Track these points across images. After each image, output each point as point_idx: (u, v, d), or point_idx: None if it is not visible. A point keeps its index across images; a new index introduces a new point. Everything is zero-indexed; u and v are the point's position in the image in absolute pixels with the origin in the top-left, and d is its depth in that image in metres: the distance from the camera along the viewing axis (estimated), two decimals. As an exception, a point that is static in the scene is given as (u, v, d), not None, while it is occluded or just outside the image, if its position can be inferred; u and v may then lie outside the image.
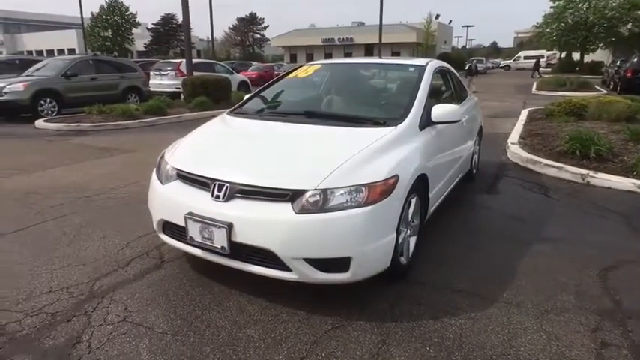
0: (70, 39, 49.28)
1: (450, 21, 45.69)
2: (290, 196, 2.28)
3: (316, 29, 49.97)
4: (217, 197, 2.40)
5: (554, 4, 31.54)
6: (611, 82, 20.19)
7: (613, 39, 31.11)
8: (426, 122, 3.04)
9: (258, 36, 62.41)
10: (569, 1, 30.69)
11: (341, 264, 2.28)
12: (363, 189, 2.27)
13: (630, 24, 30.48)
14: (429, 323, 2.31)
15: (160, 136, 8.38)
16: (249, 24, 61.32)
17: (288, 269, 2.29)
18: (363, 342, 2.15)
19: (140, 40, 49.24)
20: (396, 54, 39.55)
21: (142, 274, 2.81)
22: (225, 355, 2.05)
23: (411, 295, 2.59)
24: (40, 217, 3.83)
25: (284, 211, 2.26)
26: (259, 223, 2.28)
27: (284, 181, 2.33)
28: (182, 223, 2.48)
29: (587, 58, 32.71)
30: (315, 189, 2.25)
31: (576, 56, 34.43)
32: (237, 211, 2.33)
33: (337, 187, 2.26)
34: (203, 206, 2.41)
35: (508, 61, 46.35)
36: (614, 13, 29.89)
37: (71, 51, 41.91)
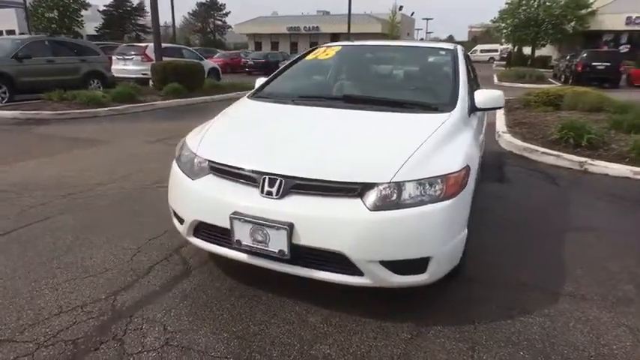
0: (8, 19, 44.83)
1: (412, 13, 46.27)
2: (359, 190, 2.00)
3: (281, 17, 48.63)
4: (269, 193, 2.07)
5: (509, 1, 32.83)
6: (562, 76, 21.31)
7: (559, 36, 32.79)
8: (471, 108, 2.85)
9: (220, 22, 60.01)
10: (523, -2, 32.15)
11: (419, 265, 2.03)
12: (439, 181, 2.04)
13: (574, 22, 32.27)
14: (508, 324, 2.13)
15: (135, 126, 7.75)
16: (210, 10, 58.72)
17: (360, 274, 2.01)
18: (451, 351, 1.93)
19: (91, 23, 45.74)
20: None
21: (170, 285, 2.43)
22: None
23: (475, 294, 2.41)
24: (22, 220, 3.28)
25: (355, 207, 1.97)
26: (327, 223, 1.98)
27: (352, 174, 2.04)
28: (225, 225, 2.13)
29: (537, 53, 34.36)
30: (390, 182, 1.99)
31: (526, 50, 36.15)
32: (297, 209, 2.01)
33: (412, 180, 2.01)
34: (253, 204, 2.08)
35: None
36: (561, 12, 31.53)
37: (10, 32, 38.10)
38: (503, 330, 2.09)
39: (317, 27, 43.26)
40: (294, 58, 3.66)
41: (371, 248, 1.96)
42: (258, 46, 46.00)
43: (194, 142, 2.53)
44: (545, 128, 6.82)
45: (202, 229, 2.32)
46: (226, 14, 59.58)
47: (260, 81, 3.54)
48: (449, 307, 2.27)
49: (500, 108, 3.05)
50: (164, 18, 59.80)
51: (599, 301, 2.37)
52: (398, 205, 1.97)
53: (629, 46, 32.49)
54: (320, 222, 1.99)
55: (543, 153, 5.67)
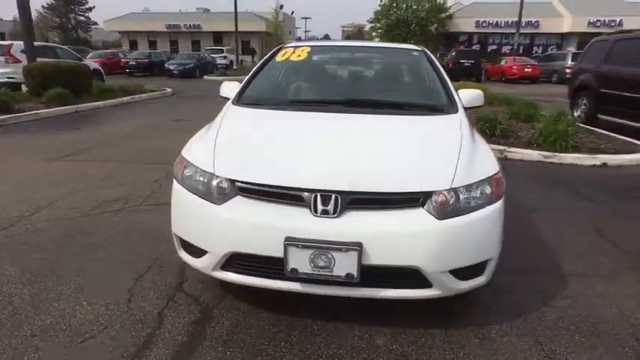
0: None
1: (292, 12, 46.97)
2: (421, 200, 1.92)
3: (159, 14, 44.65)
4: (325, 212, 1.86)
5: (382, 3, 35.66)
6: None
7: (424, 36, 36.71)
8: (463, 108, 2.96)
9: (83, 18, 52.86)
10: (394, 0, 35.11)
11: (480, 268, 2.03)
12: (488, 183, 2.06)
13: (436, 24, 36.42)
14: (547, 311, 2.26)
15: (24, 141, 6.48)
16: (69, 4, 51.29)
17: (429, 286, 1.93)
18: (523, 348, 1.97)
19: None
20: (246, 43, 38.71)
21: (198, 332, 2.03)
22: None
23: (501, 286, 2.51)
24: None
25: (423, 218, 1.89)
26: (399, 238, 1.86)
27: (411, 183, 1.94)
28: (274, 254, 1.86)
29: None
30: (450, 188, 1.94)
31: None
32: (363, 226, 1.85)
33: (468, 184, 1.99)
34: (310, 227, 1.85)
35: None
36: (426, 15, 35.34)
37: None
38: (549, 318, 2.21)
39: (198, 25, 41.03)
40: (263, 61, 3.37)
41: (443, 258, 1.90)
42: (134, 45, 41.90)
43: (204, 159, 2.15)
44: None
45: (237, 261, 1.99)
46: (90, 9, 52.93)
47: (230, 85, 3.20)
48: (483, 304, 2.32)
49: (480, 106, 3.24)
50: (12, 12, 51.31)
51: (595, 276, 2.67)
52: (459, 211, 1.94)
53: (479, 45, 37.77)
54: (391, 238, 1.85)
55: (467, 144, 6.25)
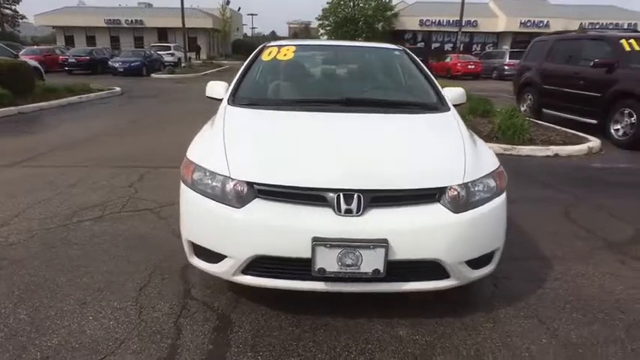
0: None
1: (239, 8, 45.90)
2: (437, 195, 2.01)
3: (97, 8, 41.67)
4: (348, 212, 1.90)
5: (330, 0, 36.02)
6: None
7: (371, 34, 37.57)
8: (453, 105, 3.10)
9: (9, 11, 48.21)
10: (341, -2, 35.72)
11: (489, 257, 2.17)
12: (493, 177, 2.20)
13: (382, 22, 37.40)
14: (544, 294, 2.45)
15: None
16: None
17: (447, 277, 2.03)
18: (531, 329, 2.13)
19: None
20: (193, 39, 37.34)
21: (222, 339, 1.99)
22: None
23: (497, 273, 2.66)
24: None
25: (441, 212, 1.98)
26: (421, 232, 1.93)
27: (427, 179, 2.02)
28: (300, 254, 1.88)
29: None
30: (462, 183, 2.05)
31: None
32: (387, 223, 1.91)
33: (477, 178, 2.11)
34: (336, 226, 1.88)
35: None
36: (373, 13, 36.16)
37: None
38: (546, 299, 2.40)
39: (141, 20, 39.01)
40: (250, 60, 3.31)
41: (461, 250, 2.00)
42: (70, 41, 38.97)
43: (216, 163, 2.10)
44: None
45: (259, 265, 1.98)
46: (17, 1, 48.48)
47: (216, 85, 3.14)
48: (486, 291, 2.48)
49: (463, 104, 3.40)
50: None
51: (575, 258, 2.91)
52: (471, 204, 2.04)
53: (423, 43, 39.23)
54: (414, 233, 1.93)
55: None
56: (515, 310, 2.28)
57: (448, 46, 37.48)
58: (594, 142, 6.41)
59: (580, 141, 6.51)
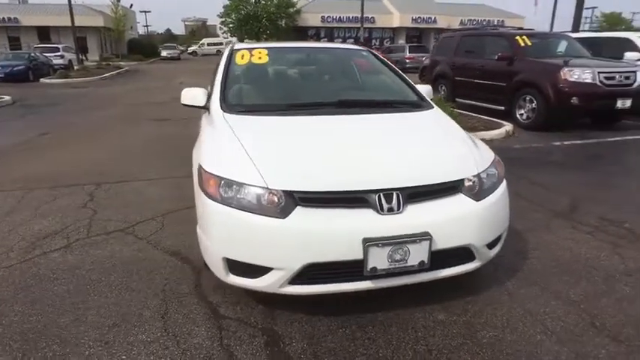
0: None
1: (131, 5, 42.34)
2: (459, 187, 2.20)
3: None
4: (390, 210, 2.00)
5: (230, -2, 35.29)
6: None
7: (275, 31, 37.62)
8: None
9: None
10: (242, -5, 35.10)
11: (500, 238, 2.41)
12: (495, 166, 2.45)
13: (285, 19, 37.65)
14: (536, 262, 2.78)
15: None
16: None
17: (472, 259, 2.22)
18: (541, 296, 2.43)
19: None
20: (82, 39, 33.45)
21: (281, 354, 1.94)
22: None
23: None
24: None
25: (466, 202, 2.16)
26: (455, 222, 2.10)
27: (450, 173, 2.19)
28: (352, 257, 1.93)
29: (263, 46, 38.69)
30: (476, 174, 2.25)
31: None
32: (425, 216, 2.04)
33: (485, 169, 2.34)
34: (380, 225, 1.96)
35: (194, 47, 48.17)
36: (275, 9, 36.19)
37: None
38: (536, 268, 2.73)
39: (16, 18, 33.85)
40: (225, 65, 3.18)
41: (485, 233, 2.22)
42: None
43: (246, 174, 2.04)
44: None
45: (306, 272, 1.97)
46: None
47: (193, 92, 3.04)
48: (489, 268, 2.74)
49: (433, 99, 3.66)
50: None
51: (541, 229, 3.34)
52: (485, 192, 2.26)
53: (326, 39, 40.34)
54: (450, 223, 2.08)
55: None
56: (519, 280, 2.58)
57: (350, 42, 39.05)
58: (509, 126, 7.28)
59: (498, 126, 7.34)
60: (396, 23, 40.61)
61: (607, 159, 5.70)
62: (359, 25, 37.47)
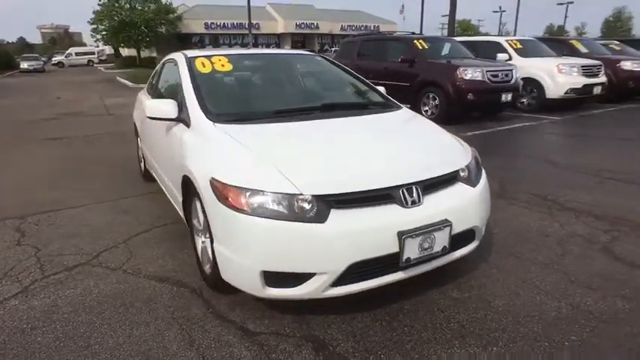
0: None
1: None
2: (457, 176, 2.44)
3: None
4: (414, 202, 2.15)
5: (101, 2, 32.01)
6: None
7: (155, 38, 35.49)
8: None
9: None
10: (115, 1, 32.09)
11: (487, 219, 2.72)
12: (474, 157, 2.75)
13: (166, 26, 35.72)
14: (506, 237, 3.18)
15: None
16: None
17: (473, 239, 2.48)
18: (532, 264, 2.80)
19: None
20: None
21: (334, 357, 1.95)
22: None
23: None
24: None
25: (467, 189, 2.42)
26: (465, 208, 2.34)
27: (450, 165, 2.43)
28: (390, 251, 2.04)
29: (144, 54, 35.95)
30: (466, 165, 2.52)
31: (125, 52, 37.27)
32: (442, 205, 2.23)
33: (470, 159, 2.63)
34: (412, 217, 2.10)
35: (60, 58, 42.69)
36: (154, 16, 34.06)
37: None
38: (509, 243, 3.11)
39: None
40: (190, 74, 3.01)
41: (483, 216, 2.50)
42: None
43: (275, 182, 2.01)
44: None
45: (350, 272, 2.01)
46: None
47: (165, 103, 2.86)
48: (482, 245, 3.06)
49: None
50: None
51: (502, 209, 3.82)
52: (476, 179, 2.55)
53: (211, 46, 39.29)
54: (462, 209, 2.31)
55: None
56: (497, 254, 2.93)
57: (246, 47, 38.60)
58: (420, 122, 8.04)
59: (410, 122, 8.05)
60: (280, 29, 41.37)
61: (509, 144, 6.66)
62: (243, 31, 37.44)
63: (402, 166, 2.29)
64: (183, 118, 2.77)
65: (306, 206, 1.97)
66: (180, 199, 2.76)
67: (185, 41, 37.10)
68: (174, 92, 3.13)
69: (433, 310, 2.30)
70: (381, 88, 3.62)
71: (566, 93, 9.34)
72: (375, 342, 2.05)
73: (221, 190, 2.06)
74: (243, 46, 35.17)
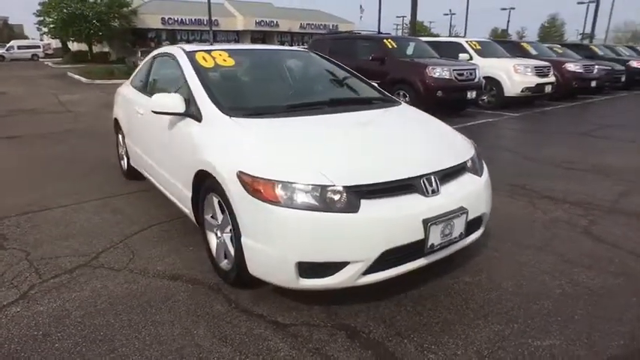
0: None
1: None
2: (466, 167, 2.57)
3: None
4: (433, 191, 2.25)
5: (49, -6, 30.14)
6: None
7: (109, 33, 33.84)
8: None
9: None
10: (64, -8, 30.31)
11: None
12: (476, 151, 2.89)
13: (119, 20, 34.15)
14: (520, 224, 3.36)
15: None
16: None
17: (479, 226, 2.62)
18: (533, 252, 2.98)
19: None
20: None
21: (397, 348, 2.00)
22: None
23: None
24: None
25: (476, 178, 2.55)
26: (476, 196, 2.46)
27: (460, 156, 2.55)
28: (416, 238, 2.12)
29: (96, 49, 34.18)
30: (471, 157, 2.65)
31: (74, 46, 35.28)
32: (458, 193, 2.34)
33: (474, 151, 2.76)
34: (434, 205, 2.19)
35: (0, 51, 39.58)
36: (106, 9, 32.44)
37: None
38: (503, 227, 3.28)
39: None
40: (193, 69, 2.93)
41: (489, 203, 2.64)
42: None
43: (306, 174, 2.04)
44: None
45: (381, 260, 2.07)
46: None
47: (171, 97, 2.77)
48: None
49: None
50: None
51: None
52: (480, 169, 2.68)
53: (168, 42, 38.01)
54: (474, 196, 2.44)
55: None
56: (496, 241, 3.08)
57: (197, 43, 37.59)
58: (393, 119, 8.24)
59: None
60: (240, 26, 40.72)
61: (479, 139, 6.93)
62: (202, 27, 36.51)
63: (421, 156, 2.38)
64: (191, 113, 2.71)
65: (337, 197, 2.00)
66: (188, 195, 2.70)
67: (141, 36, 35.70)
68: (174, 87, 3.05)
69: (451, 294, 2.41)
70: (374, 83, 3.71)
71: (522, 91, 9.96)
72: (405, 326, 2.12)
73: (250, 183, 2.05)
74: (202, 42, 34.26)
